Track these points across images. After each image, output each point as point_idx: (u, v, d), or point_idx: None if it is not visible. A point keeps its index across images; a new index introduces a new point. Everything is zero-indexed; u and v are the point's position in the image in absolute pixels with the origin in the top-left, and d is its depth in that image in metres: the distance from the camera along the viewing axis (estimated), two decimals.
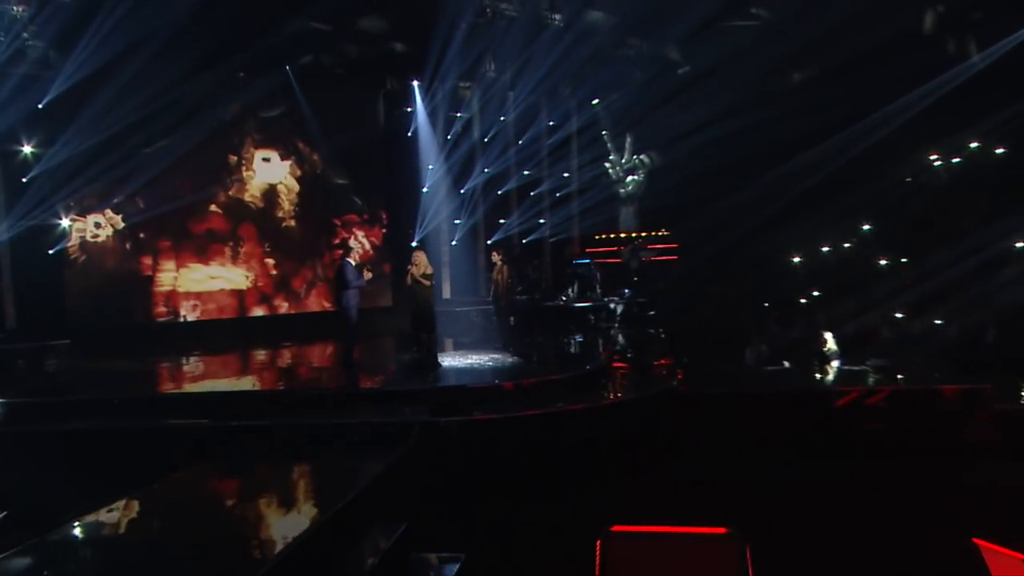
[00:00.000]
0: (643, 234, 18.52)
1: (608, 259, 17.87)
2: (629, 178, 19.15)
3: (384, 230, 17.34)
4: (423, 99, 16.95)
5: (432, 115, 17.13)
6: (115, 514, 5.07)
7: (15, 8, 11.81)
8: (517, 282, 16.34)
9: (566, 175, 18.97)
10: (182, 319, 14.66)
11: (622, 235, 18.78)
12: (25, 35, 12.03)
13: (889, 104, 14.66)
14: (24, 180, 12.80)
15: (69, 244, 13.51)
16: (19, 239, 12.77)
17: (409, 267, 10.59)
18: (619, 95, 18.23)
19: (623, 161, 19.13)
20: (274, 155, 15.91)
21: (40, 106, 12.50)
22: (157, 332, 14.21)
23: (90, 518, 4.90)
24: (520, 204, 18.28)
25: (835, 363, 10.75)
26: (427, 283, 10.42)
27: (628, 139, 19.01)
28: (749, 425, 7.95)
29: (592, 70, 16.80)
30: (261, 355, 13.18)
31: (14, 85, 12.01)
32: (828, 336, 11.02)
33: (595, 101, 18.62)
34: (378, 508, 5.63)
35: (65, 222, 13.43)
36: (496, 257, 12.27)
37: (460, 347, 12.52)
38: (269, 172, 15.85)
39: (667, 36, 15.90)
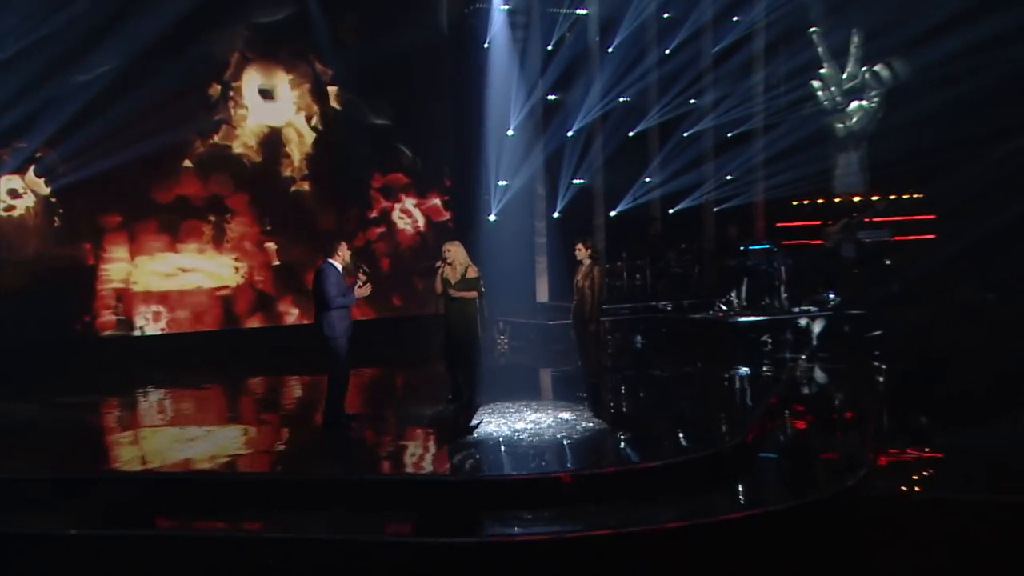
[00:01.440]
0: (874, 198, 17.86)
1: (804, 241, 17.40)
2: (853, 104, 18.79)
3: (446, 197, 17.28)
4: None
5: (521, 13, 17.02)
6: None
7: None
8: (654, 280, 16.92)
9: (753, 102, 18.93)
10: (138, 332, 14.85)
11: (837, 200, 18.34)
12: None
13: None
14: None
15: None
16: None
17: (439, 267, 10.29)
18: None
19: (844, 77, 18.81)
20: (277, 83, 15.89)
21: None
22: (99, 351, 14.36)
23: None
24: (663, 152, 18.01)
25: None
26: (470, 294, 10.19)
27: (854, 39, 18.70)
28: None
29: None
30: (236, 393, 13.16)
31: None
32: None
33: None
34: None
35: None
36: (581, 252, 11.10)
37: (526, 392, 12.13)
38: (270, 109, 15.85)
39: None
